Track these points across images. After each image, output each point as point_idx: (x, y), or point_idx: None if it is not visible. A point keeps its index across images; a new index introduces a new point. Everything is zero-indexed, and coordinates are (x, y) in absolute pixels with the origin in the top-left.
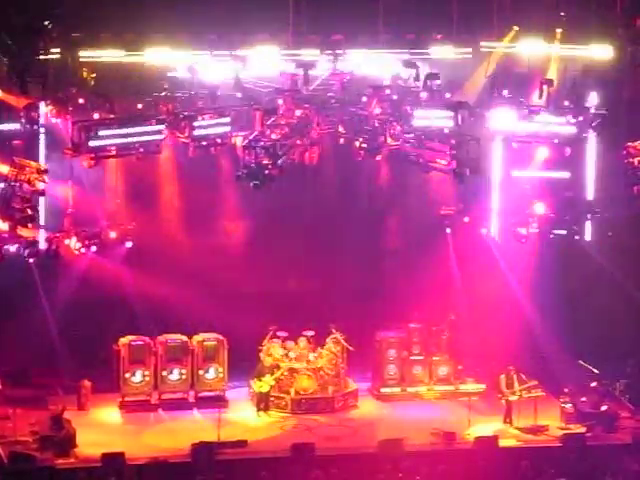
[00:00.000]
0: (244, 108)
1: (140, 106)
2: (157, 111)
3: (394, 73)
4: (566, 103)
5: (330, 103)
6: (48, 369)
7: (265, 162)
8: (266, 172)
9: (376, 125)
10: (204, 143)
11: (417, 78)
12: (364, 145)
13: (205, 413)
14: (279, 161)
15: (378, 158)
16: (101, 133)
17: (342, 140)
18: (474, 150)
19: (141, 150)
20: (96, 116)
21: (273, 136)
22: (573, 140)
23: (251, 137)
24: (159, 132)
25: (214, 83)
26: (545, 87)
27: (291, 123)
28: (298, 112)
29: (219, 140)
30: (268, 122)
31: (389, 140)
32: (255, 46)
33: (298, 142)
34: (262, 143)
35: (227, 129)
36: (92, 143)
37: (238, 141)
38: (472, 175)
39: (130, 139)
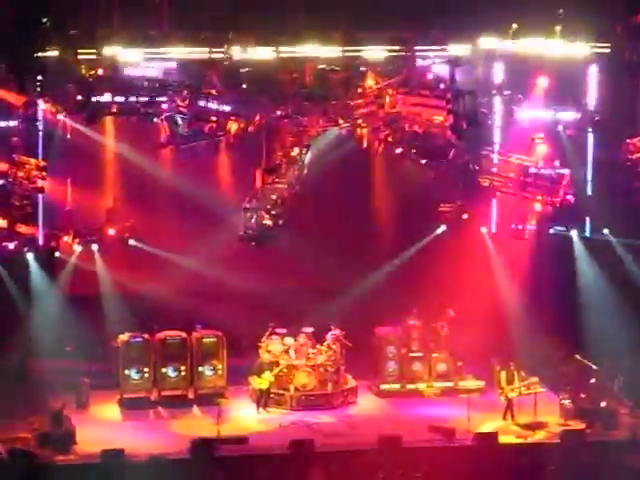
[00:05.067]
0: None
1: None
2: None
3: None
4: None
5: (329, 102)
6: (47, 365)
7: (266, 222)
8: (268, 233)
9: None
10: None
11: None
12: (364, 125)
13: (204, 410)
14: (281, 221)
15: (382, 136)
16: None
17: (344, 131)
18: (471, 103)
19: (142, 110)
20: (100, 72)
21: (273, 196)
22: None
23: (251, 194)
24: (161, 94)
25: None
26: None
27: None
28: (296, 149)
29: (214, 118)
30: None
31: (387, 107)
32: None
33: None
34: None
35: (227, 108)
36: (94, 98)
37: (233, 127)
38: (470, 128)
39: (132, 98)
